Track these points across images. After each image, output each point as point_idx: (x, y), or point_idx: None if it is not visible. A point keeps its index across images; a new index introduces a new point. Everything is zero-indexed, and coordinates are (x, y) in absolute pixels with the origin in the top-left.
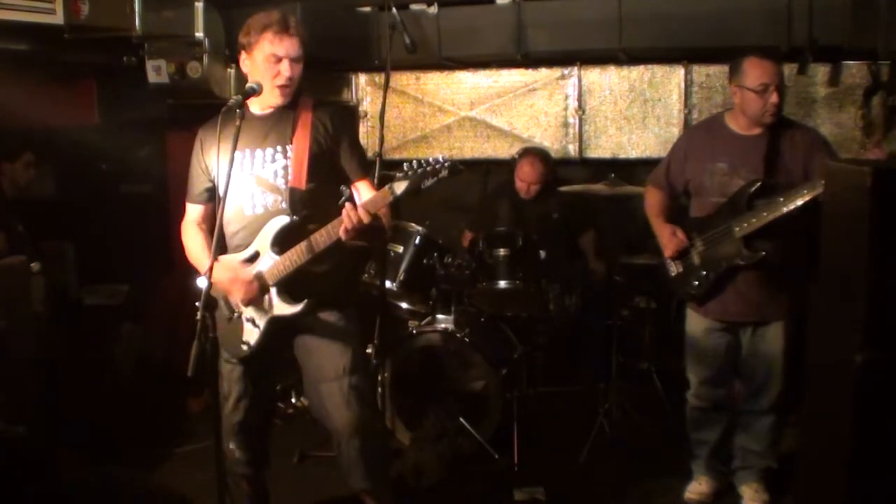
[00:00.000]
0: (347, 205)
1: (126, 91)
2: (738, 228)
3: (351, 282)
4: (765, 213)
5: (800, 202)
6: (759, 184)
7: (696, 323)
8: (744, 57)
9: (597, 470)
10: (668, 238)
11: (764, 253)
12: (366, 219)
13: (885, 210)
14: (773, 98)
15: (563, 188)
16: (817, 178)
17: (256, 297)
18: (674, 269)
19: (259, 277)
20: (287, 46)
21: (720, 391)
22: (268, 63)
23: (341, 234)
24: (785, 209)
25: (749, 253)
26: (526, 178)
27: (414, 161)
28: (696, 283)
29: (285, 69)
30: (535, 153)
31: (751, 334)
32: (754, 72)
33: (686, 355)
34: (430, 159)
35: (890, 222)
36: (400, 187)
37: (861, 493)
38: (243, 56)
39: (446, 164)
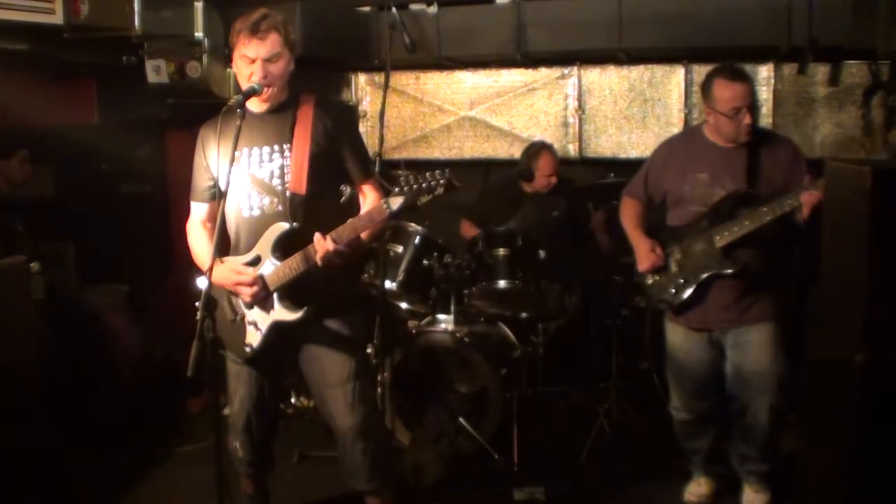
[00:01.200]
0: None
1: (126, 91)
2: (718, 237)
3: (354, 287)
4: (747, 223)
5: (785, 210)
6: (741, 193)
7: (676, 334)
8: (712, 78)
9: (597, 470)
10: (646, 253)
11: (742, 265)
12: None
13: (885, 210)
14: (746, 119)
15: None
16: (799, 190)
17: (261, 298)
18: (650, 277)
19: (261, 281)
20: (256, 47)
21: (704, 404)
22: (242, 63)
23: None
24: (767, 219)
25: (729, 262)
26: (551, 170)
27: (410, 176)
28: (673, 291)
29: (257, 70)
30: (546, 146)
31: (733, 343)
32: (724, 96)
33: (667, 369)
34: (427, 174)
35: (890, 222)
36: (395, 203)
37: (861, 494)
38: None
39: (442, 182)
